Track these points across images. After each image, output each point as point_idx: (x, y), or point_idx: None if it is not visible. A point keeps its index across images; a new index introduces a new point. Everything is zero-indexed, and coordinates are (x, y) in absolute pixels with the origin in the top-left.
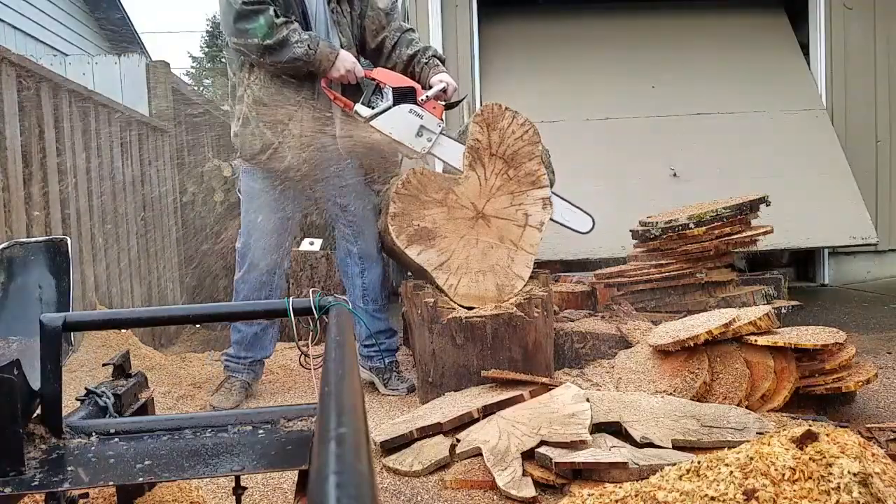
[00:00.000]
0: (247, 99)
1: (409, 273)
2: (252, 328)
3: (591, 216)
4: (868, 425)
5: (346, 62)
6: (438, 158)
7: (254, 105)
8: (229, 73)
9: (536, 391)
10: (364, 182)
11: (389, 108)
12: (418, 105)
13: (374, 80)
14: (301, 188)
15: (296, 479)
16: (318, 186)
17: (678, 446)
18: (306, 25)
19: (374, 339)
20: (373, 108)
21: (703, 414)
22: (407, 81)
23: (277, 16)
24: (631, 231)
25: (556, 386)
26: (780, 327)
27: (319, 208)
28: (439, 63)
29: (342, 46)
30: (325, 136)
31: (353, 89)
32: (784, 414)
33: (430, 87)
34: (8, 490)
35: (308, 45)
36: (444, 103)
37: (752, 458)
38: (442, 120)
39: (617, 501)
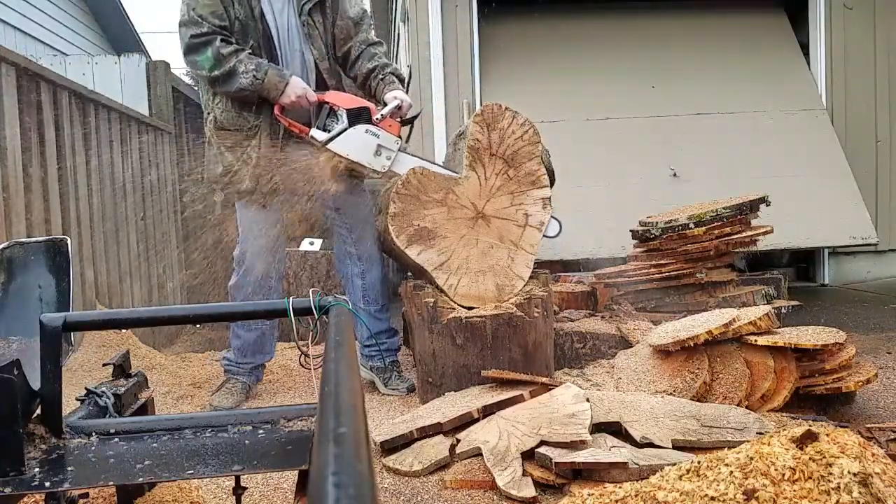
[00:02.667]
0: (209, 123)
1: (409, 273)
2: (252, 334)
3: (558, 220)
4: (868, 425)
5: (297, 88)
6: (399, 175)
7: (214, 129)
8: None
9: (536, 391)
10: (355, 183)
11: (345, 129)
12: (374, 124)
13: (326, 103)
14: (290, 200)
15: (296, 479)
16: (304, 199)
17: (678, 446)
18: (269, 47)
19: (374, 339)
20: (328, 131)
21: (703, 414)
22: (360, 102)
23: (229, 43)
24: (631, 231)
25: (556, 386)
26: (780, 327)
27: (316, 212)
28: (395, 80)
29: (314, 59)
30: (292, 158)
31: (313, 113)
32: (784, 414)
33: (385, 105)
34: (8, 490)
35: (254, 76)
36: (399, 120)
37: (752, 458)
38: (399, 137)
39: (617, 501)
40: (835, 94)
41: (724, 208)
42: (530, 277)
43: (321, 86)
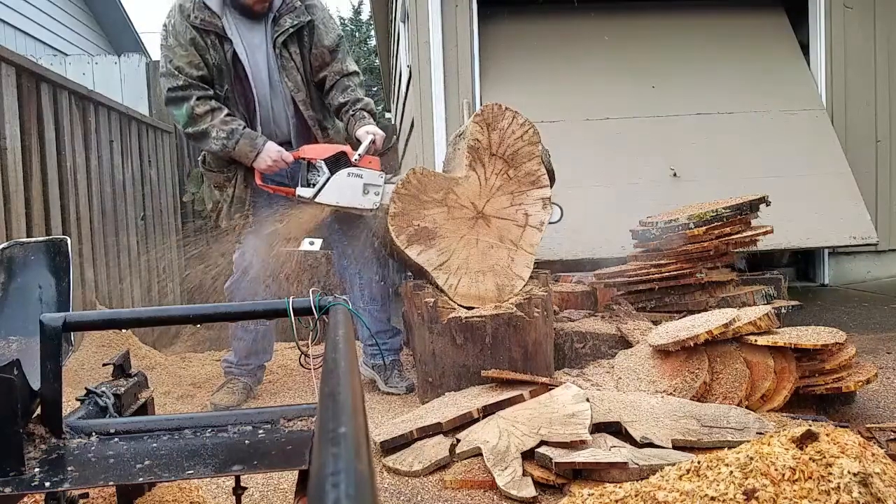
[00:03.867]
0: (201, 161)
1: (409, 273)
2: (252, 335)
3: (559, 206)
4: (868, 425)
5: (271, 153)
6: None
7: (204, 168)
8: None
9: (536, 391)
10: None
11: (328, 179)
12: (354, 166)
13: (304, 159)
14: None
15: (296, 479)
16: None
17: (678, 446)
18: (243, 89)
19: (375, 338)
20: (312, 185)
21: (703, 414)
22: (335, 148)
23: (207, 99)
24: (631, 231)
25: (556, 386)
26: (780, 327)
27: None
28: (366, 115)
29: (290, 91)
30: (272, 204)
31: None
32: (784, 414)
33: (359, 143)
34: (8, 490)
35: (224, 143)
36: (377, 154)
37: (752, 458)
38: (382, 171)
39: (617, 501)
40: (835, 94)
41: (724, 208)
42: (530, 277)
43: (298, 117)
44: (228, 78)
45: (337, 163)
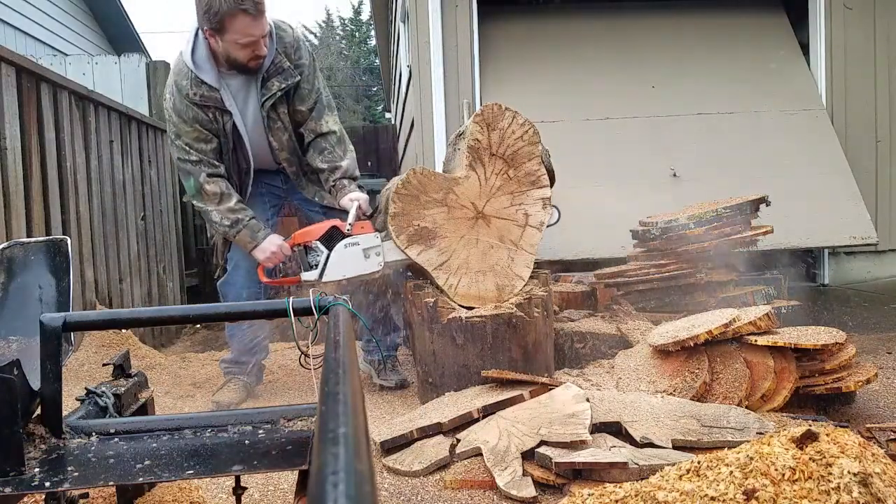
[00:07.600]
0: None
1: (410, 273)
2: (249, 333)
3: (556, 208)
4: (868, 425)
5: (272, 246)
6: (395, 262)
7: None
8: None
9: (536, 391)
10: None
11: (328, 256)
12: (348, 235)
13: (298, 245)
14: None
15: (296, 479)
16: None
17: (678, 446)
18: (237, 155)
19: (372, 335)
20: (314, 266)
21: (703, 414)
22: (325, 225)
23: (217, 179)
24: (631, 231)
25: (556, 386)
26: (780, 327)
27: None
28: (347, 183)
29: (274, 150)
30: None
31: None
32: (784, 414)
33: (346, 212)
34: (8, 490)
35: (227, 229)
36: (366, 217)
37: (752, 458)
38: (376, 231)
39: (617, 501)
40: (835, 94)
41: (724, 208)
42: (530, 277)
43: (282, 172)
44: (226, 146)
45: (331, 238)
